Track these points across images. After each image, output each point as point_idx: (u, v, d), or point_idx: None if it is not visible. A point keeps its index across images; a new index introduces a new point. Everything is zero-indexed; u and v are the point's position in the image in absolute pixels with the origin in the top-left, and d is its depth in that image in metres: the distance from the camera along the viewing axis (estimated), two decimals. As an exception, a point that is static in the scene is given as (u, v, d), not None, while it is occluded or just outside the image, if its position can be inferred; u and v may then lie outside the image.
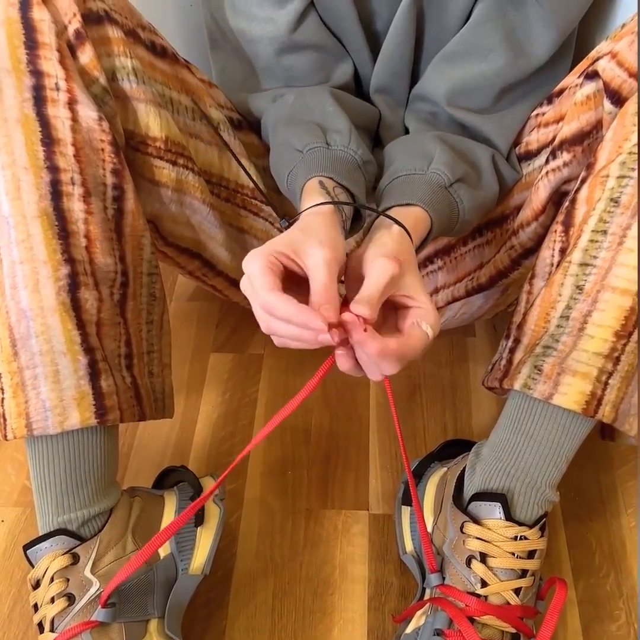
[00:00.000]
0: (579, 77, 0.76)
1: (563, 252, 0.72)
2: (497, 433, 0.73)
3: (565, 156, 0.76)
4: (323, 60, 0.85)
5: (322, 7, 0.83)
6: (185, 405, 1.03)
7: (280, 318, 0.57)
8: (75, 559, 0.68)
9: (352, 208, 0.71)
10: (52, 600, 0.67)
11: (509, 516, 0.69)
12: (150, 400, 0.77)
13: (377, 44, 0.86)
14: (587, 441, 0.72)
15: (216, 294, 1.01)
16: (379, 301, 0.59)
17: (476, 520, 0.70)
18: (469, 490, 0.73)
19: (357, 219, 0.75)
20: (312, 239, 0.61)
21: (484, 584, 0.68)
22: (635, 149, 0.66)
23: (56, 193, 0.67)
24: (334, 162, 0.73)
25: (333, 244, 0.61)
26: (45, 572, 0.68)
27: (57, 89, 0.66)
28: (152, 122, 0.76)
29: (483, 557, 0.69)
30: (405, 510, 0.83)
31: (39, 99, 0.66)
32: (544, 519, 0.71)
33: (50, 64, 0.66)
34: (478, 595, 0.68)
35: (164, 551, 0.74)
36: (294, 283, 0.61)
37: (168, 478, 0.84)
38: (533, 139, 0.84)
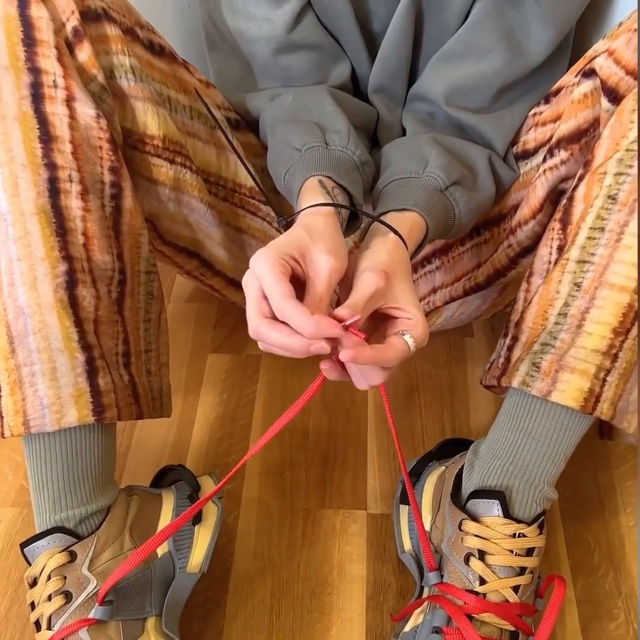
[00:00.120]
0: (576, 76, 0.77)
1: (561, 249, 0.72)
2: (495, 431, 0.73)
3: (562, 154, 0.76)
4: (320, 60, 0.86)
5: (319, 7, 0.83)
6: (183, 405, 1.03)
7: (294, 326, 0.56)
8: (73, 556, 0.68)
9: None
10: (49, 598, 0.67)
11: (507, 514, 0.69)
12: (147, 399, 0.77)
13: (374, 44, 0.87)
14: (585, 440, 0.72)
15: (214, 293, 1.01)
16: (362, 313, 0.59)
17: (474, 518, 0.70)
18: (467, 488, 0.73)
19: (354, 218, 0.75)
20: (319, 244, 0.61)
21: (482, 581, 0.68)
22: (633, 146, 0.66)
23: (54, 190, 0.67)
24: (332, 161, 0.73)
25: (339, 253, 0.61)
26: (42, 570, 0.68)
27: (55, 86, 0.67)
28: (150, 120, 0.76)
29: (481, 555, 0.69)
30: (404, 509, 0.82)
31: (37, 96, 0.66)
32: (543, 517, 0.71)
33: (48, 61, 0.66)
34: (476, 593, 0.68)
35: (161, 549, 0.74)
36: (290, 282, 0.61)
37: (166, 477, 0.84)
38: (530, 138, 0.84)
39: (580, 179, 0.71)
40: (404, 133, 0.88)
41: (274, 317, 0.57)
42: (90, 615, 0.66)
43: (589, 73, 0.72)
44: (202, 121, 0.84)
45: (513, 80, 0.82)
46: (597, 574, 0.84)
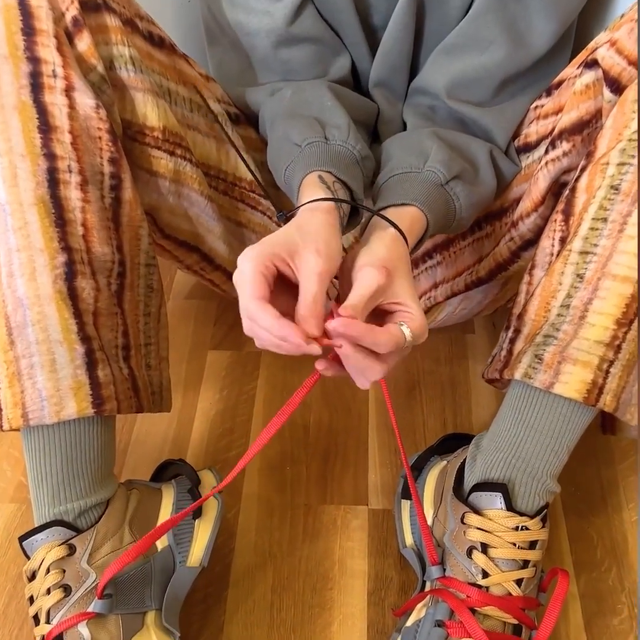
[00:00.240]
0: (577, 67, 0.76)
1: (563, 241, 0.72)
2: (497, 423, 0.73)
3: (564, 146, 0.76)
4: (320, 53, 0.85)
5: (319, 0, 0.83)
6: (183, 402, 1.03)
7: (261, 327, 0.57)
8: (72, 550, 0.67)
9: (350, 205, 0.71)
10: (48, 591, 0.66)
11: (510, 506, 0.69)
12: (147, 393, 0.76)
13: (375, 38, 0.86)
14: (588, 436, 0.71)
15: (214, 288, 1.01)
16: (364, 310, 0.59)
17: (477, 511, 0.70)
18: (469, 481, 0.72)
19: (355, 213, 0.74)
20: (309, 244, 0.60)
21: (485, 574, 0.68)
22: (635, 136, 0.66)
23: (53, 180, 0.66)
24: (332, 156, 0.73)
25: (329, 253, 0.60)
26: (41, 563, 0.67)
27: (55, 76, 0.66)
28: (149, 111, 0.75)
29: (484, 548, 0.68)
30: (405, 504, 0.82)
31: (36, 86, 0.66)
32: (546, 510, 0.70)
33: (47, 50, 0.66)
34: (479, 586, 0.67)
35: (161, 543, 0.73)
36: (285, 284, 0.61)
37: (166, 471, 0.83)
38: (532, 130, 0.83)
39: (583, 169, 0.71)
40: (404, 127, 0.88)
41: None
42: (90, 609, 0.65)
43: (591, 64, 0.72)
44: (202, 114, 0.84)
45: (515, 72, 0.82)
46: (600, 569, 0.83)
